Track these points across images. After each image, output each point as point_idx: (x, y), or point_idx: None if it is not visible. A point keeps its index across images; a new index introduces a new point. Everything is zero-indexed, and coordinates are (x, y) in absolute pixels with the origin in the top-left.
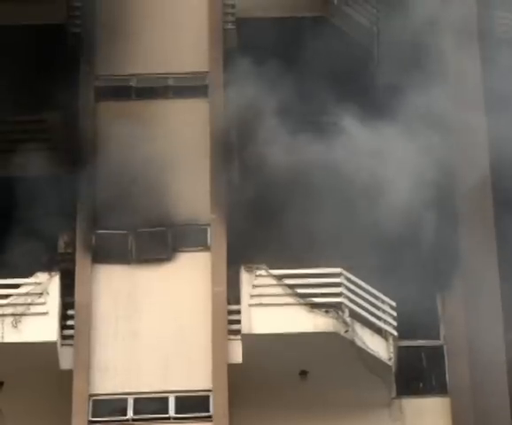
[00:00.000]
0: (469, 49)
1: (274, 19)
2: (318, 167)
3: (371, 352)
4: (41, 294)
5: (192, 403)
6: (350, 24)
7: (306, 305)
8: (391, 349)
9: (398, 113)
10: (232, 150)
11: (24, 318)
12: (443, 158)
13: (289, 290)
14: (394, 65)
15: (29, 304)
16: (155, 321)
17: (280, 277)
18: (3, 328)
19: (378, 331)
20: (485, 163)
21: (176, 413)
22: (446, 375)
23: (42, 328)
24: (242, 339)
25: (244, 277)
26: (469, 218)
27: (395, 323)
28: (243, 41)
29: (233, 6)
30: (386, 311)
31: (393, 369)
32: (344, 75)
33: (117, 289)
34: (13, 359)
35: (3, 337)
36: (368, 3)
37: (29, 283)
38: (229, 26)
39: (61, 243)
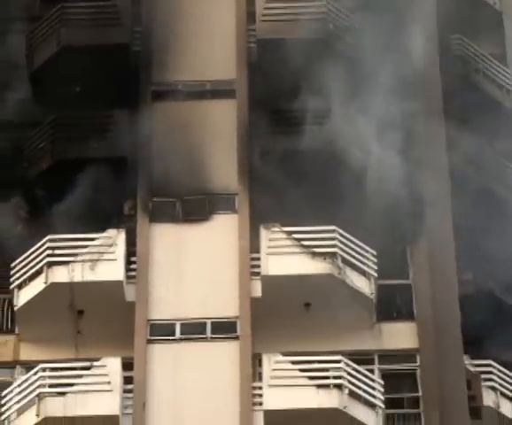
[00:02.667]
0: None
1: (285, 40)
2: (317, 152)
3: (357, 289)
4: (111, 245)
5: (224, 326)
6: (339, 41)
7: (309, 253)
8: (373, 286)
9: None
10: (254, 137)
11: (98, 263)
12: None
13: (296, 243)
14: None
15: (102, 252)
16: (196, 266)
17: (290, 233)
18: (83, 270)
19: (363, 273)
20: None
21: (212, 334)
22: (414, 306)
23: (112, 270)
24: (261, 279)
25: (263, 233)
26: (435, 195)
27: (375, 267)
28: (261, 56)
29: (254, 30)
30: (369, 258)
31: (374, 301)
32: (334, 79)
33: (168, 242)
34: (91, 293)
35: (83, 277)
36: (356, 29)
37: (103, 237)
38: (252, 45)
39: (126, 208)
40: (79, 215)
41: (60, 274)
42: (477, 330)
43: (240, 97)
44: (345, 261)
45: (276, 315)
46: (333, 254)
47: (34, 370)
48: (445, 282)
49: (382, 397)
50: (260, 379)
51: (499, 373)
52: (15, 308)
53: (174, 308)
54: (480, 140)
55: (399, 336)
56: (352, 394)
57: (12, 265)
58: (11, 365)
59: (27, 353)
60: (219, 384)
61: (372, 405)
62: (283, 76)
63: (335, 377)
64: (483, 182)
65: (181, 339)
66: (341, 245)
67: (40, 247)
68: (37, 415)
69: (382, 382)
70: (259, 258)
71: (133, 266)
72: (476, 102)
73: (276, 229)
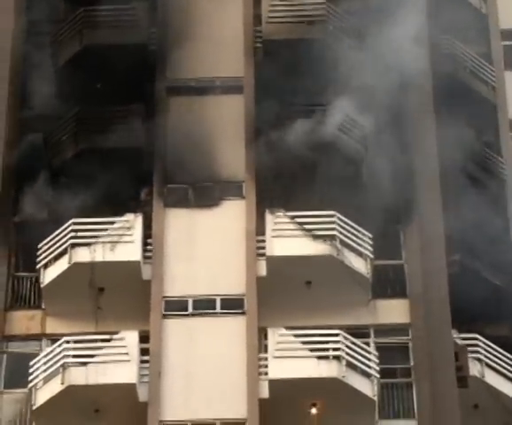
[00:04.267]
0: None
1: (287, 40)
2: (317, 143)
3: (355, 269)
4: (129, 228)
5: (232, 303)
6: (338, 41)
7: (310, 236)
8: (369, 266)
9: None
10: (259, 130)
11: (118, 244)
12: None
13: (298, 226)
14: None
15: (121, 235)
16: (207, 247)
17: (292, 217)
18: (104, 251)
19: (360, 254)
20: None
21: (221, 309)
22: (406, 284)
23: (129, 250)
24: (266, 259)
25: (268, 217)
26: (425, 182)
27: (371, 249)
28: (267, 54)
29: (260, 31)
30: (365, 240)
31: (370, 280)
32: (333, 76)
33: (181, 225)
34: (110, 272)
35: (103, 257)
36: (353, 29)
37: (121, 221)
38: (258, 45)
39: (143, 194)
40: (100, 201)
41: (83, 255)
42: (464, 307)
43: (247, 93)
44: (343, 243)
45: (280, 292)
46: (332, 237)
47: (59, 342)
48: (434, 262)
49: (377, 368)
50: (266, 351)
51: (484, 345)
52: (41, 285)
53: (186, 286)
54: (467, 131)
55: (393, 311)
56: (349, 365)
57: (39, 246)
58: (38, 337)
59: (52, 327)
60: (227, 356)
61: (368, 375)
62: (287, 73)
63: (334, 349)
64: (469, 170)
65: (193, 314)
66: (339, 229)
67: (64, 230)
68: (62, 383)
69: (377, 354)
70: (264, 241)
71: (149, 248)
72: (463, 97)
73: (280, 214)
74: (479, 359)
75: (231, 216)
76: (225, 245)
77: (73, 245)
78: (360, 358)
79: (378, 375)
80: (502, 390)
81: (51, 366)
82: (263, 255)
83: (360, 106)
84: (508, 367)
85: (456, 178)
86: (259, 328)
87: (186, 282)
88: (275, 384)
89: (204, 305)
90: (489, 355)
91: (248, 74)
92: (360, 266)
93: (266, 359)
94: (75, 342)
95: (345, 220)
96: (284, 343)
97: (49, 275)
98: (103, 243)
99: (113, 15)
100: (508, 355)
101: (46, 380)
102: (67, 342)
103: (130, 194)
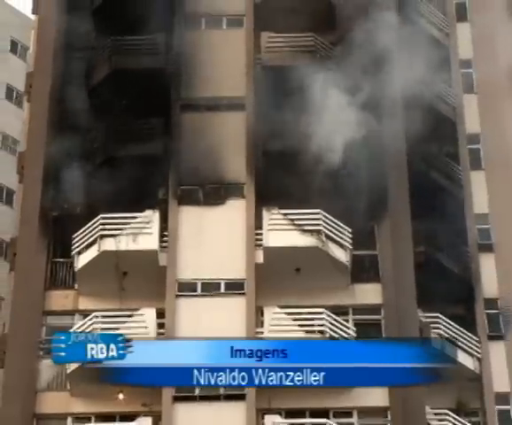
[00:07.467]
0: None
1: (283, 66)
2: (307, 152)
3: (336, 258)
4: (148, 222)
5: (234, 285)
6: (325, 68)
7: (300, 230)
8: (348, 256)
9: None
10: (259, 141)
11: (139, 236)
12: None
13: (290, 222)
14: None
15: (142, 228)
16: (213, 239)
17: (285, 214)
18: (127, 241)
19: (341, 245)
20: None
21: (225, 291)
22: (380, 271)
23: (149, 241)
24: (263, 249)
25: (265, 214)
26: (396, 186)
27: (350, 241)
28: (266, 78)
29: (260, 59)
30: (346, 234)
31: (349, 267)
32: (320, 95)
33: (192, 220)
34: (132, 259)
35: (127, 246)
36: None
37: (142, 216)
38: (258, 69)
39: (160, 194)
40: (124, 199)
41: (109, 244)
42: (427, 290)
43: (248, 110)
44: (327, 236)
45: (274, 277)
46: (318, 231)
47: (89, 317)
48: (403, 252)
49: None
50: (262, 326)
51: (444, 323)
52: (75, 270)
53: (196, 271)
54: (431, 143)
55: (368, 294)
56: (332, 338)
57: (73, 236)
58: (71, 313)
59: (84, 304)
60: (230, 330)
61: None
62: (282, 93)
63: (319, 325)
64: (433, 176)
65: (201, 295)
66: (324, 224)
67: (94, 223)
68: None
69: (355, 329)
70: (261, 234)
71: (165, 239)
72: (428, 115)
73: (275, 211)
74: (440, 335)
75: (234, 213)
76: (229, 237)
77: (102, 236)
78: (340, 332)
79: None
80: (459, 360)
81: None
82: (260, 246)
83: (340, 121)
84: (464, 341)
85: (422, 183)
86: (256, 306)
87: (196, 268)
88: None
89: (210, 287)
90: (448, 331)
91: (249, 94)
92: (341, 255)
93: (262, 333)
94: (103, 317)
95: (329, 216)
96: (277, 319)
97: (81, 261)
98: (126, 234)
99: (137, 44)
100: (464, 331)
101: None
102: (96, 317)
103: (150, 194)
